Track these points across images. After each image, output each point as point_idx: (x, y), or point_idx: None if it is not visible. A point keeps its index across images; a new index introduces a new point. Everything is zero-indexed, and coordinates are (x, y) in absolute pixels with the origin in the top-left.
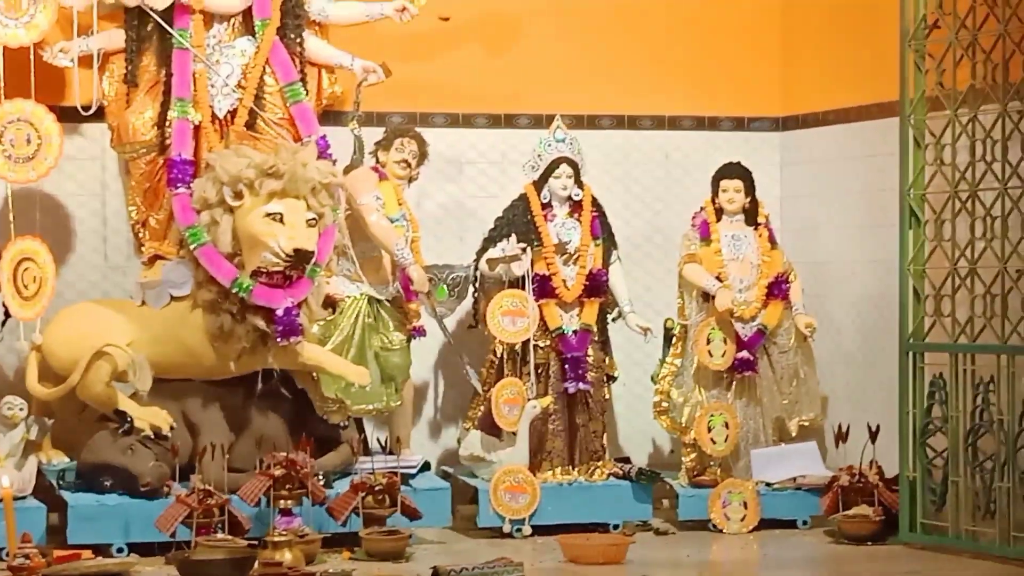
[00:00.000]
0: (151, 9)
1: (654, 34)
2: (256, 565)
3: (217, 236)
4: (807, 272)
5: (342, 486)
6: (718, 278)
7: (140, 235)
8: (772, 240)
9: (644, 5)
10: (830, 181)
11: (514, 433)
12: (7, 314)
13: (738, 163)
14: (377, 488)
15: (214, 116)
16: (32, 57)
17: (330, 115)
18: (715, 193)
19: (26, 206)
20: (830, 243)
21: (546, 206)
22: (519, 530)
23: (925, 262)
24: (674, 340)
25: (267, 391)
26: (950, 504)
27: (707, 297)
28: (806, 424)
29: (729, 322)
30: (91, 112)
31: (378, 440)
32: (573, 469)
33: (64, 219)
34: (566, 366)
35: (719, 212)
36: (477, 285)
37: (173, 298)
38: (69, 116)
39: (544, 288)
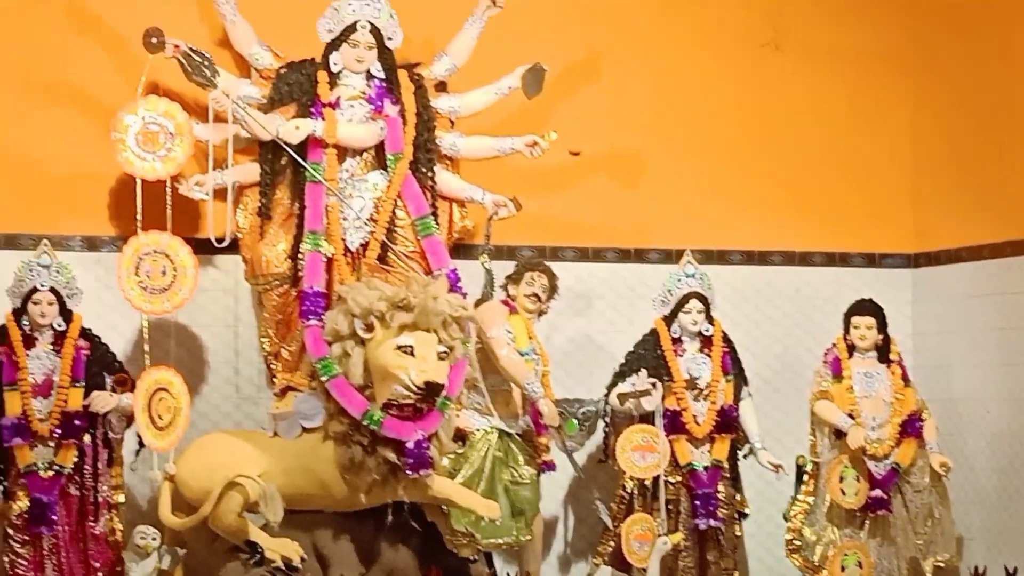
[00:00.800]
0: (285, 143)
1: (785, 169)
2: None
3: (348, 368)
4: (941, 410)
5: None
6: (850, 415)
7: (272, 366)
8: (905, 377)
9: (775, 139)
10: (963, 318)
11: (644, 569)
12: (141, 444)
13: (870, 300)
14: None
15: (346, 249)
16: (168, 190)
17: (461, 248)
18: (847, 330)
19: (160, 337)
20: (964, 381)
21: (676, 341)
22: None
23: None
24: (806, 477)
25: (397, 524)
26: None
27: (839, 434)
28: (941, 565)
29: (862, 460)
30: (225, 244)
31: (508, 574)
32: None
33: (197, 350)
34: (697, 502)
35: (851, 349)
36: (607, 420)
37: (305, 429)
38: (203, 248)
39: (675, 423)
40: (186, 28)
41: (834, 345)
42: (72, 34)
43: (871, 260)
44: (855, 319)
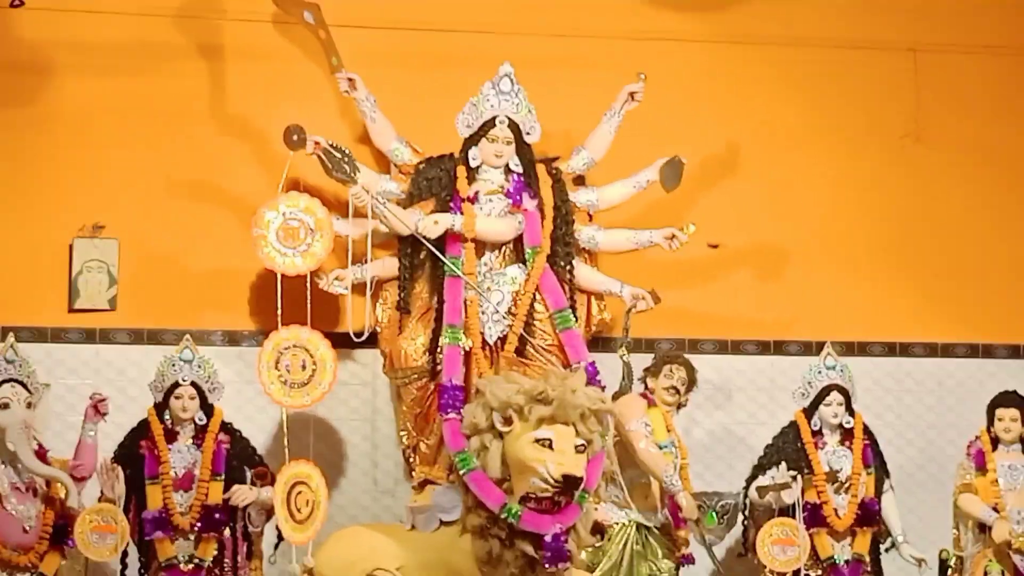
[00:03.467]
0: (424, 238)
1: (926, 260)
2: None
3: (487, 461)
4: None
5: None
6: (995, 509)
7: (410, 460)
8: None
9: (916, 231)
10: None
11: None
12: (280, 537)
13: (1014, 392)
14: None
15: (484, 342)
16: (308, 285)
17: (599, 341)
18: (990, 422)
19: (300, 431)
20: None
21: (816, 434)
22: None
23: None
24: (950, 572)
25: None
26: None
27: (984, 528)
28: None
29: (1007, 554)
30: (364, 338)
31: None
32: None
33: (336, 444)
34: None
35: (995, 441)
36: (747, 513)
37: (442, 523)
38: (342, 342)
39: (815, 517)
40: (327, 125)
41: (977, 438)
42: (214, 133)
43: (1015, 351)
44: (999, 411)
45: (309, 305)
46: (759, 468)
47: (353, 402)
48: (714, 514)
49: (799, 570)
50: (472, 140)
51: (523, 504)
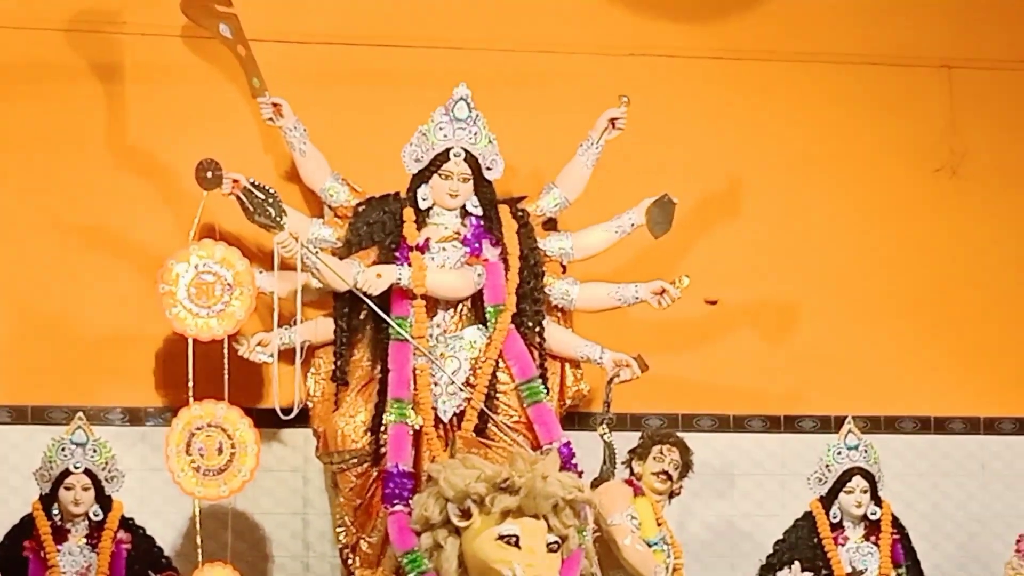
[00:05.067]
0: (365, 295)
1: (966, 318)
2: None
3: (440, 563)
4: None
5: None
6: None
7: (349, 562)
8: None
9: (953, 283)
10: None
11: None
12: None
13: None
14: None
15: (438, 420)
16: (226, 352)
17: (575, 418)
18: None
19: (216, 527)
20: None
21: (836, 527)
22: None
23: None
24: None
25: None
26: None
27: None
28: None
29: None
30: (293, 416)
31: None
32: None
33: (259, 542)
34: None
35: None
36: None
37: None
38: (267, 421)
39: None
40: (247, 160)
41: None
42: (112, 168)
43: None
44: None
45: (227, 376)
46: (768, 569)
47: (280, 492)
48: None
49: None
50: (422, 177)
51: None
